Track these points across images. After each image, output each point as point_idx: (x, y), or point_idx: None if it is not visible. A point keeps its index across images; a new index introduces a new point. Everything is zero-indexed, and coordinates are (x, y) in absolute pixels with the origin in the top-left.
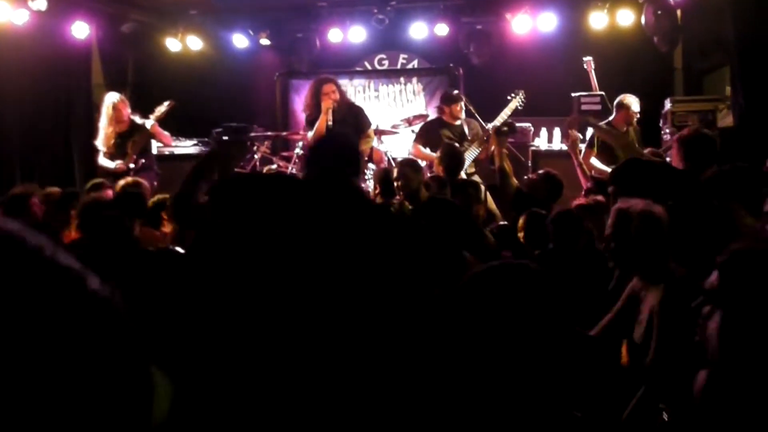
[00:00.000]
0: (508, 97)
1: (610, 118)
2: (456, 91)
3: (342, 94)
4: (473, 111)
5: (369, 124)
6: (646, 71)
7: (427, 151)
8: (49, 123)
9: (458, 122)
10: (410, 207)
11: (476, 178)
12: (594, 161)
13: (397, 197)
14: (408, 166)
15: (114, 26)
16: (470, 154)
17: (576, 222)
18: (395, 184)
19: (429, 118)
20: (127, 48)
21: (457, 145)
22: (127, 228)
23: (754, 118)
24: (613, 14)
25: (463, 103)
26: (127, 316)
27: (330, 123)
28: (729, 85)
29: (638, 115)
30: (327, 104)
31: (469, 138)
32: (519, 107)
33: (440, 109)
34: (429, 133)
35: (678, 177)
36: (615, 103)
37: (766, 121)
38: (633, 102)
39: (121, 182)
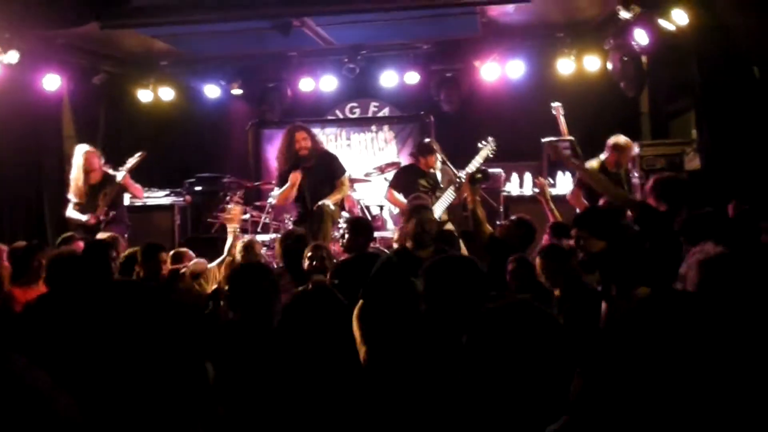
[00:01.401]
0: (479, 145)
1: (603, 157)
2: (430, 141)
3: (315, 141)
4: (446, 160)
5: (343, 172)
6: (614, 116)
7: (401, 197)
8: (20, 175)
9: (432, 170)
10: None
11: (449, 225)
12: (583, 201)
13: (372, 244)
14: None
15: (85, 78)
16: (443, 201)
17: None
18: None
19: (403, 165)
20: (98, 99)
21: (424, 195)
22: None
23: (720, 160)
24: (580, 61)
25: (438, 155)
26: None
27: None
28: (695, 129)
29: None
30: (295, 179)
31: (442, 185)
32: (490, 155)
33: (415, 158)
34: (403, 180)
35: (653, 218)
36: (610, 143)
37: (732, 163)
38: (634, 147)
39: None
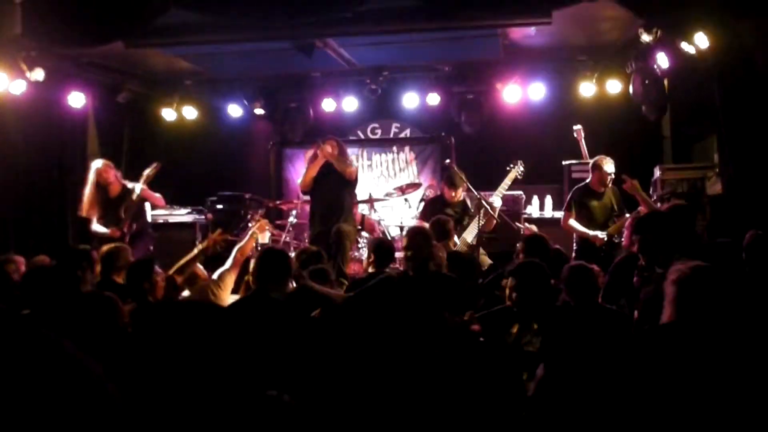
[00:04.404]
0: (507, 168)
1: (587, 180)
2: (453, 172)
3: (342, 152)
4: (470, 186)
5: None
6: (635, 139)
7: None
8: (44, 191)
9: (460, 197)
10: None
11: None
12: (572, 223)
13: (393, 265)
14: (419, 234)
15: (110, 96)
16: (473, 228)
17: (593, 278)
18: (406, 253)
19: (430, 196)
20: (122, 117)
21: (445, 218)
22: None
23: (743, 185)
24: (601, 83)
25: (459, 190)
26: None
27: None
28: (717, 153)
29: (612, 176)
30: (324, 154)
31: (471, 212)
32: (519, 177)
33: (441, 188)
34: (431, 211)
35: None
36: (590, 165)
37: (754, 188)
38: (606, 163)
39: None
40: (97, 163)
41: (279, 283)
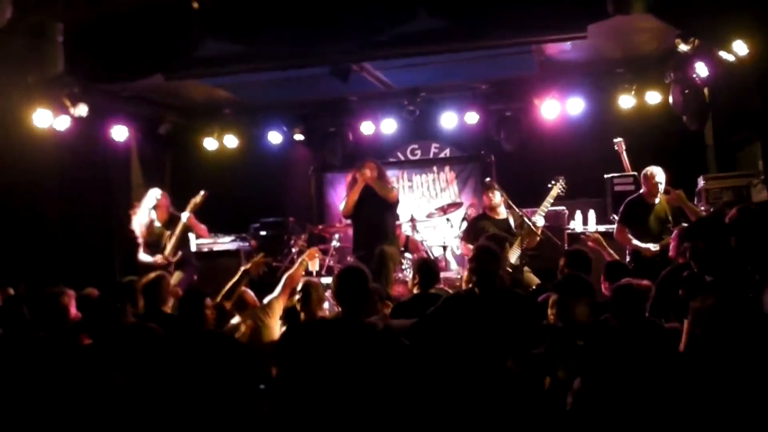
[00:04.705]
0: (549, 185)
1: (640, 191)
2: (490, 180)
3: (381, 174)
4: (510, 202)
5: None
6: (678, 149)
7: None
8: (90, 224)
9: (502, 215)
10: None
11: (527, 269)
12: (626, 235)
13: (438, 285)
14: (485, 250)
15: (151, 128)
16: (516, 250)
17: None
18: (472, 268)
19: (472, 215)
20: (164, 149)
21: (500, 235)
22: None
23: None
24: (640, 95)
25: (497, 192)
26: None
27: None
28: (762, 160)
29: (663, 185)
30: (363, 178)
31: (514, 231)
32: (561, 193)
33: (481, 201)
34: (474, 229)
35: None
36: (640, 176)
37: None
38: (656, 173)
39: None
40: (156, 192)
41: (365, 305)
